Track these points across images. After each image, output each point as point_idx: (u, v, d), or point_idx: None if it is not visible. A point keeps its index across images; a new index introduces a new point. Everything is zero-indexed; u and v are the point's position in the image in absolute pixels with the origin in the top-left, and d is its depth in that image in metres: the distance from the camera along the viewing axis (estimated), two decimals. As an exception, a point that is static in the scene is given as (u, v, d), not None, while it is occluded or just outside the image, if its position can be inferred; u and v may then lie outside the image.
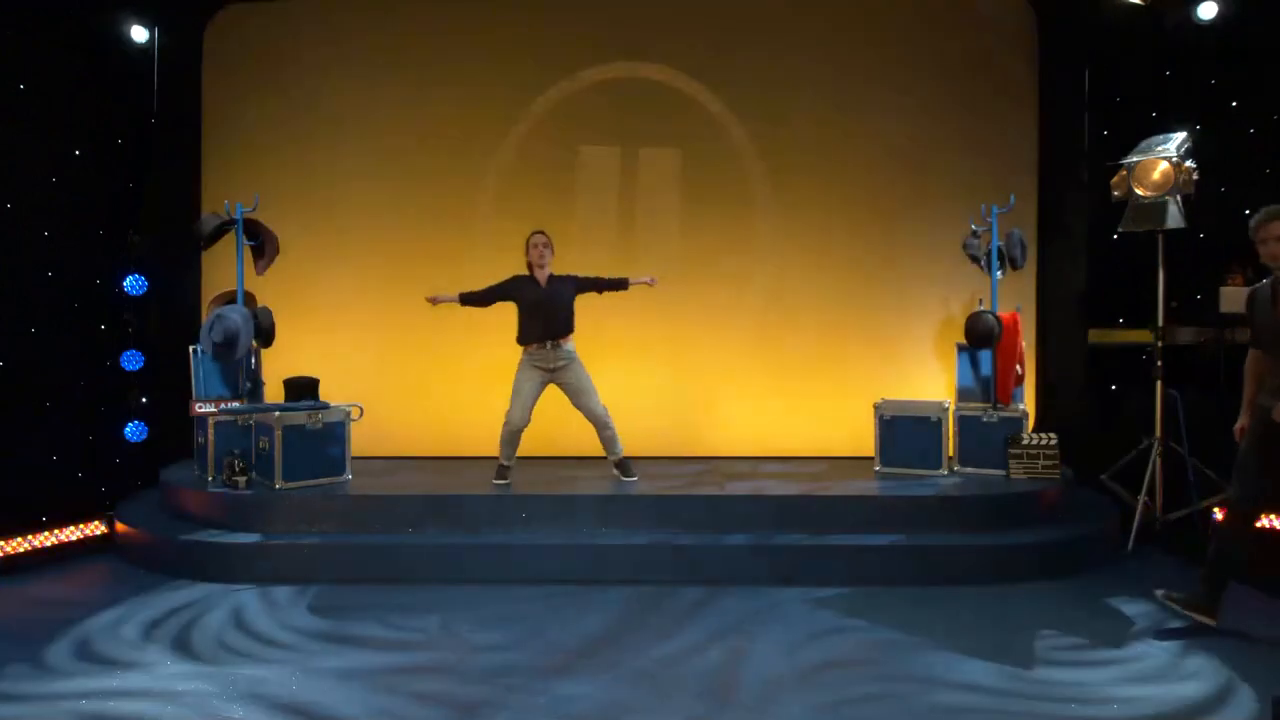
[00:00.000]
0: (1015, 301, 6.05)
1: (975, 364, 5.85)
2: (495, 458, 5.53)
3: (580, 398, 5.42)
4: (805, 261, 6.72)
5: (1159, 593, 4.09)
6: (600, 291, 5.56)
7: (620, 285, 5.54)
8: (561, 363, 5.38)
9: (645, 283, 5.50)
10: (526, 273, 5.45)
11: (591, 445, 6.61)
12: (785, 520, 5.01)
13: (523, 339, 5.41)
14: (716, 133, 6.69)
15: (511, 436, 5.46)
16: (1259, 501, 3.92)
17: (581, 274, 5.55)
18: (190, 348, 5.63)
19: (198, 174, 6.75)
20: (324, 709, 3.23)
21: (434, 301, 5.50)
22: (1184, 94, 6.39)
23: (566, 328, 5.41)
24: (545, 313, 5.34)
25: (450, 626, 4.07)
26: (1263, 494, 3.88)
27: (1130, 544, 5.26)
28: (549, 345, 5.34)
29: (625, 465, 5.58)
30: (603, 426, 5.49)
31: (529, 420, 5.43)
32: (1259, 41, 6.15)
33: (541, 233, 5.45)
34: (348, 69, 6.73)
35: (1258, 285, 4.07)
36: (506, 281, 5.46)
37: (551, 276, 5.44)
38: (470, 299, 5.47)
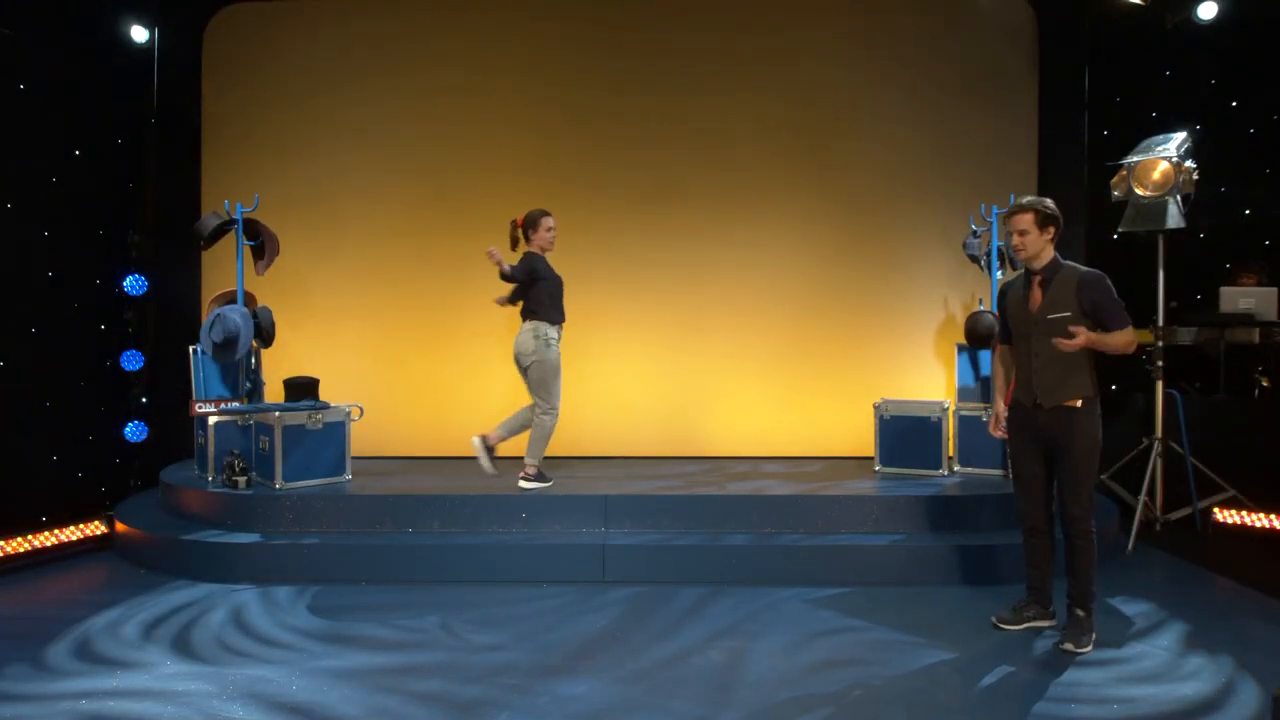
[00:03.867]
0: (1015, 301, 6.04)
1: (975, 364, 5.85)
2: (493, 457, 5.49)
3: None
4: (805, 261, 6.72)
5: (993, 619, 4.03)
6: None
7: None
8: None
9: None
10: (538, 253, 5.27)
11: (592, 445, 6.64)
12: (785, 520, 5.01)
13: (558, 318, 5.25)
14: (717, 133, 6.69)
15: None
16: (1033, 504, 3.93)
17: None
18: (190, 348, 5.64)
19: (198, 174, 6.76)
20: (324, 709, 3.23)
21: (492, 255, 5.03)
22: (1184, 94, 6.40)
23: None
24: (560, 294, 5.29)
25: (450, 626, 4.07)
26: (1031, 495, 3.91)
27: (1130, 544, 5.26)
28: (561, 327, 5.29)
29: (491, 451, 5.38)
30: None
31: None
32: (1259, 41, 6.16)
33: (551, 214, 5.33)
34: (348, 68, 6.74)
35: (1011, 279, 4.06)
36: (535, 262, 5.21)
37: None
38: (509, 275, 5.15)
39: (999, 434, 4.11)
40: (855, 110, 6.66)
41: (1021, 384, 3.91)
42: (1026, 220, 3.80)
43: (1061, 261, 3.83)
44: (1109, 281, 3.77)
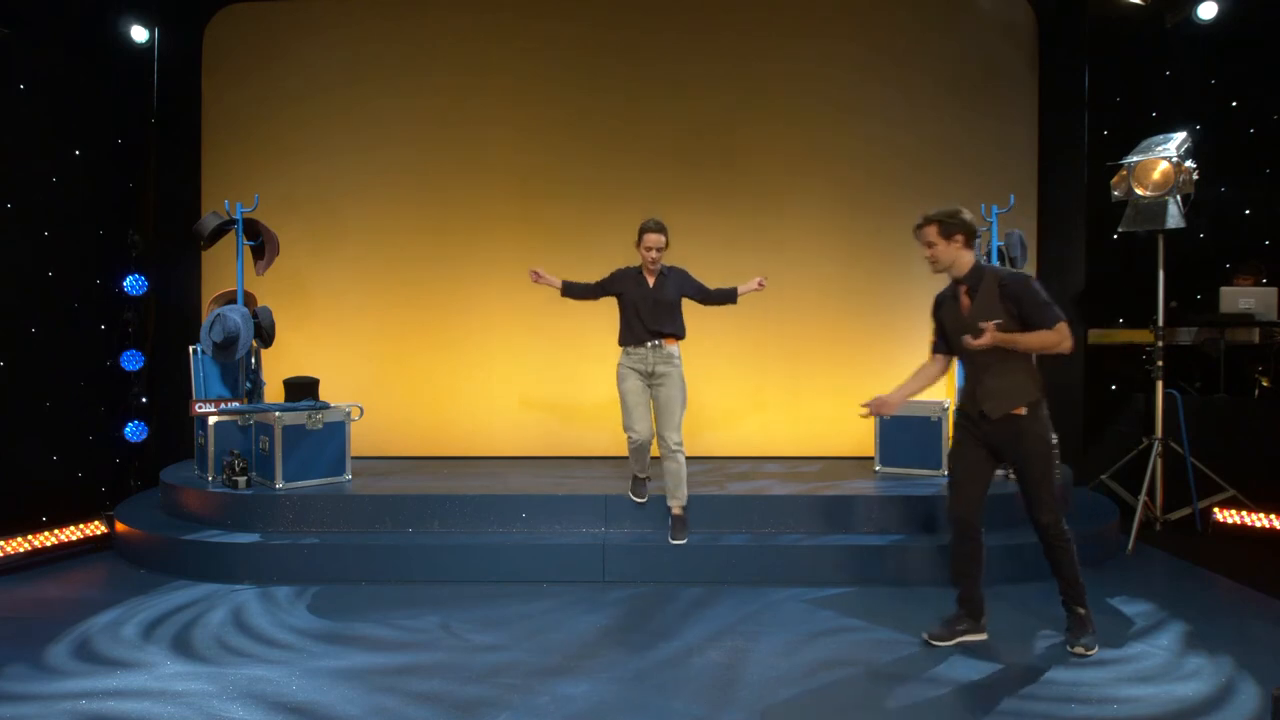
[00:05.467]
0: (1015, 301, 6.04)
1: (975, 364, 5.84)
2: (494, 457, 5.51)
3: (659, 415, 4.82)
4: (805, 261, 6.72)
5: (925, 635, 3.86)
6: (706, 303, 4.99)
7: (729, 298, 5.00)
8: (661, 368, 4.81)
9: (754, 288, 5.01)
10: (636, 266, 4.89)
11: (591, 445, 6.63)
12: (785, 520, 5.01)
13: (625, 339, 4.88)
14: (717, 134, 6.69)
15: (638, 451, 4.88)
16: (968, 506, 3.91)
17: (696, 277, 5.01)
18: (190, 348, 5.64)
19: (198, 174, 6.75)
20: (324, 709, 3.23)
21: (536, 278, 4.90)
22: (1184, 94, 6.41)
23: (672, 328, 4.84)
24: (649, 311, 4.81)
25: (450, 626, 4.07)
26: (966, 498, 3.89)
27: (1130, 544, 5.26)
28: (649, 345, 4.81)
29: (679, 523, 4.83)
30: (667, 456, 4.79)
31: (651, 429, 4.85)
32: (1259, 41, 6.16)
33: (655, 226, 4.81)
34: (348, 68, 6.74)
35: (943, 289, 4.03)
36: (613, 276, 4.93)
37: (662, 272, 4.87)
38: (574, 290, 4.95)
39: (863, 412, 4.12)
40: (855, 110, 6.66)
41: (966, 394, 3.88)
42: (930, 233, 3.80)
43: (983, 266, 3.80)
44: (1034, 283, 3.68)
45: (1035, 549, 4.78)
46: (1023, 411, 3.70)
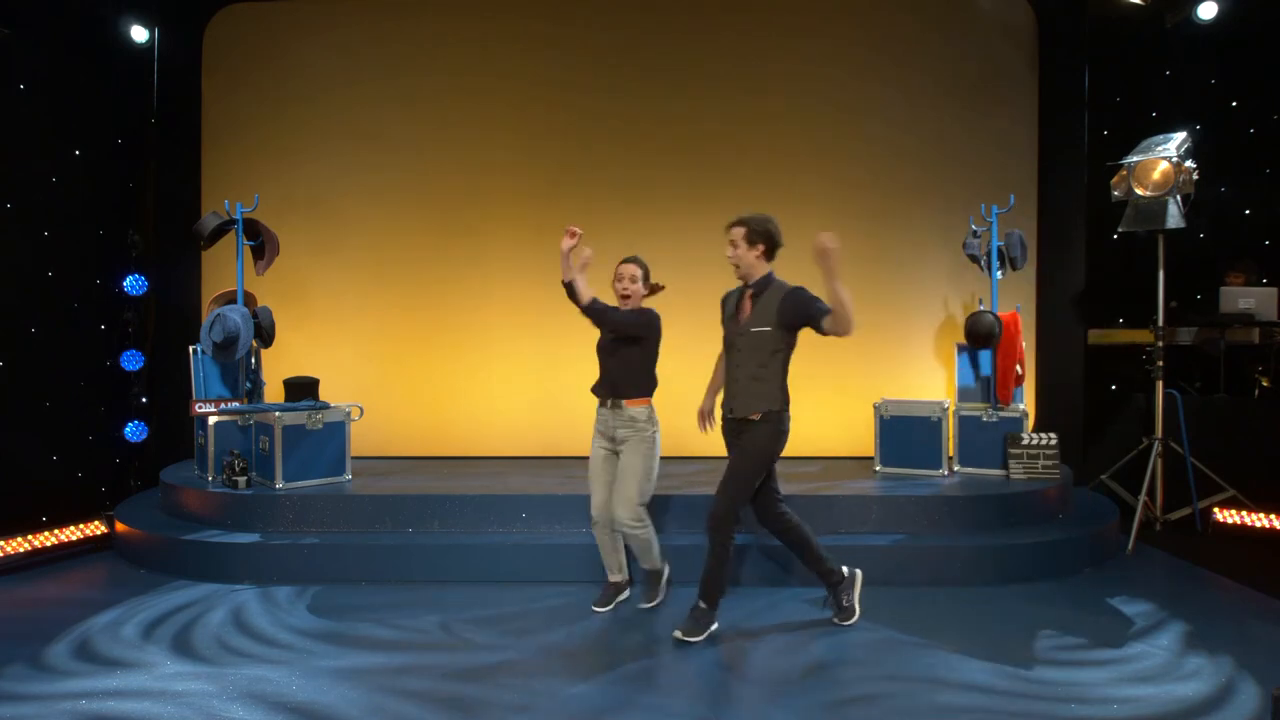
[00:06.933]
0: (1015, 301, 6.05)
1: (975, 364, 5.85)
2: (494, 457, 5.49)
3: (615, 486, 4.14)
4: (805, 260, 6.70)
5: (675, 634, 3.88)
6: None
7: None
8: (622, 432, 4.11)
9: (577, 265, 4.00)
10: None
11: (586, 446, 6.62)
12: (785, 520, 5.00)
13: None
14: (717, 134, 6.69)
15: (598, 535, 4.28)
16: (754, 508, 4.02)
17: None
18: (190, 348, 5.63)
19: (198, 174, 6.75)
20: (324, 709, 3.23)
21: (573, 239, 3.96)
22: (1184, 94, 6.41)
23: (625, 386, 4.10)
24: (604, 361, 4.20)
25: (450, 626, 4.07)
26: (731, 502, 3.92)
27: (1130, 544, 5.26)
28: (608, 404, 4.15)
29: (652, 579, 4.32)
30: (623, 534, 4.18)
31: (607, 510, 4.16)
32: (1259, 41, 6.16)
33: (628, 258, 4.21)
34: (348, 68, 6.73)
35: (732, 289, 4.13)
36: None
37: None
38: (593, 310, 4.03)
39: (705, 428, 4.24)
40: (855, 111, 6.66)
41: (725, 395, 4.03)
42: (738, 234, 3.94)
43: (774, 279, 3.96)
44: (807, 291, 3.89)
45: (1036, 549, 4.82)
46: (757, 417, 3.88)
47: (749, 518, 4.10)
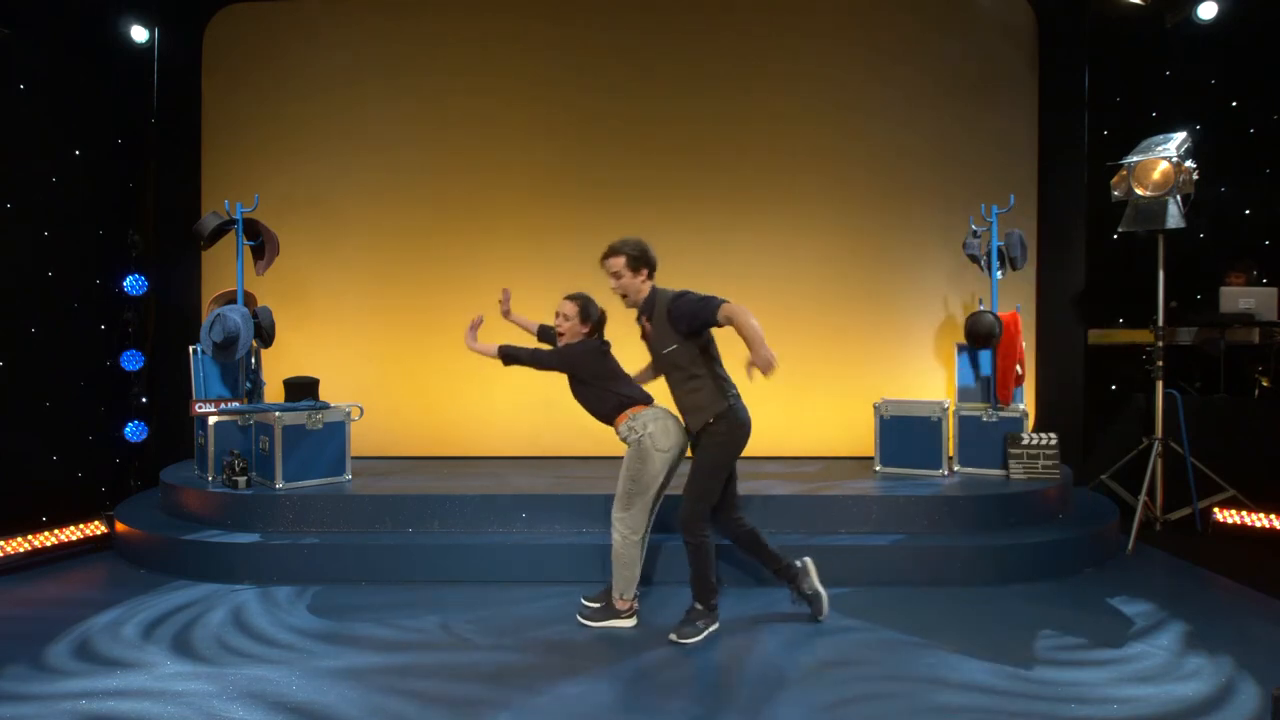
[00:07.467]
0: (1015, 301, 6.05)
1: (975, 364, 5.85)
2: (494, 457, 5.49)
3: None
4: (805, 261, 6.72)
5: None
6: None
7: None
8: (624, 438, 4.13)
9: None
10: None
11: (591, 446, 6.64)
12: (785, 520, 5.01)
13: None
14: (717, 135, 6.69)
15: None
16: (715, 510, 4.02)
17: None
18: (190, 348, 5.63)
19: (198, 174, 6.75)
20: (324, 709, 3.23)
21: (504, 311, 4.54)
22: (1184, 94, 6.41)
23: (597, 413, 4.16)
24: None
25: (450, 626, 4.07)
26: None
27: (1130, 544, 5.26)
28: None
29: (601, 597, 4.21)
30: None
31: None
32: (1259, 41, 6.16)
33: (567, 298, 4.20)
34: (348, 68, 6.74)
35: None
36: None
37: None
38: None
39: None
40: (855, 111, 6.66)
41: (679, 413, 4.06)
42: (618, 263, 3.94)
43: (655, 293, 3.96)
44: (688, 295, 3.87)
45: (1036, 549, 4.82)
46: (712, 420, 3.90)
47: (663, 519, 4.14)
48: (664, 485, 4.10)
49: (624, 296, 4.00)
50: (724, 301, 3.75)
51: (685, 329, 3.84)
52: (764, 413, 6.63)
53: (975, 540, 4.84)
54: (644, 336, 4.06)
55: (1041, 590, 4.55)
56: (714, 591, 4.00)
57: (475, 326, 4.44)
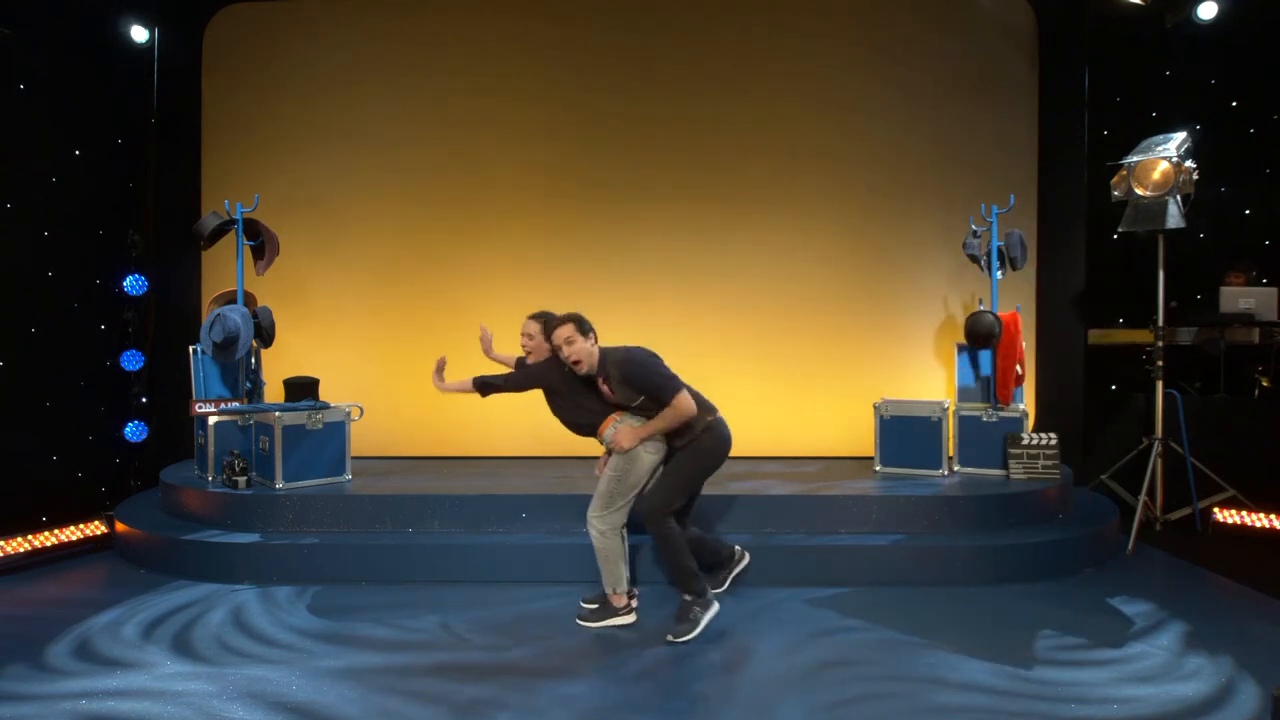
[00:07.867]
0: (1015, 301, 6.05)
1: (975, 364, 5.85)
2: (494, 457, 5.48)
3: None
4: (806, 261, 6.72)
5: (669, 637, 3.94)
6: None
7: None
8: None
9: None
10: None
11: (591, 446, 6.64)
12: (785, 520, 5.01)
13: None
14: (717, 135, 6.69)
15: None
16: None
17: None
18: (190, 348, 5.63)
19: (198, 174, 6.75)
20: (324, 709, 3.23)
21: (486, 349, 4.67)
22: (1184, 94, 6.41)
23: (577, 428, 4.23)
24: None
25: (450, 626, 4.07)
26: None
27: (1130, 544, 5.26)
28: None
29: (599, 597, 4.17)
30: None
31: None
32: (1259, 41, 6.16)
33: (531, 316, 4.30)
34: (348, 68, 6.74)
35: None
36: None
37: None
38: None
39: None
40: (855, 111, 6.66)
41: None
42: (568, 331, 3.96)
43: (604, 355, 4.00)
44: (640, 361, 3.94)
45: (1036, 549, 4.82)
46: (700, 431, 4.01)
47: (632, 519, 4.12)
48: (645, 488, 4.12)
49: (576, 364, 3.95)
50: (680, 390, 3.89)
51: (644, 389, 3.93)
52: (764, 413, 6.74)
53: (975, 540, 4.85)
54: (607, 398, 4.05)
55: (1041, 590, 4.55)
56: (697, 577, 4.00)
57: (440, 369, 4.45)
